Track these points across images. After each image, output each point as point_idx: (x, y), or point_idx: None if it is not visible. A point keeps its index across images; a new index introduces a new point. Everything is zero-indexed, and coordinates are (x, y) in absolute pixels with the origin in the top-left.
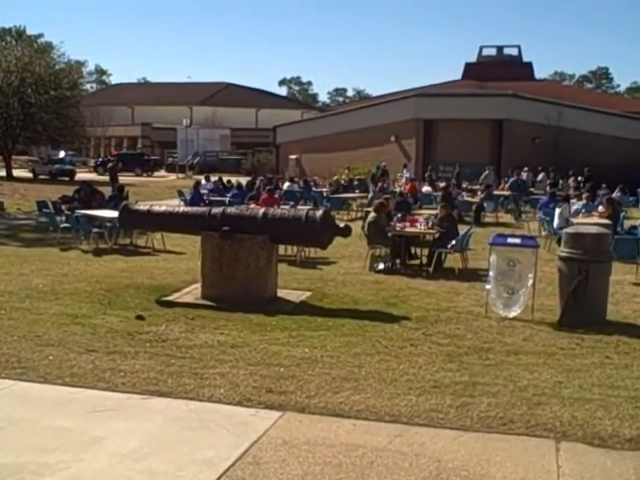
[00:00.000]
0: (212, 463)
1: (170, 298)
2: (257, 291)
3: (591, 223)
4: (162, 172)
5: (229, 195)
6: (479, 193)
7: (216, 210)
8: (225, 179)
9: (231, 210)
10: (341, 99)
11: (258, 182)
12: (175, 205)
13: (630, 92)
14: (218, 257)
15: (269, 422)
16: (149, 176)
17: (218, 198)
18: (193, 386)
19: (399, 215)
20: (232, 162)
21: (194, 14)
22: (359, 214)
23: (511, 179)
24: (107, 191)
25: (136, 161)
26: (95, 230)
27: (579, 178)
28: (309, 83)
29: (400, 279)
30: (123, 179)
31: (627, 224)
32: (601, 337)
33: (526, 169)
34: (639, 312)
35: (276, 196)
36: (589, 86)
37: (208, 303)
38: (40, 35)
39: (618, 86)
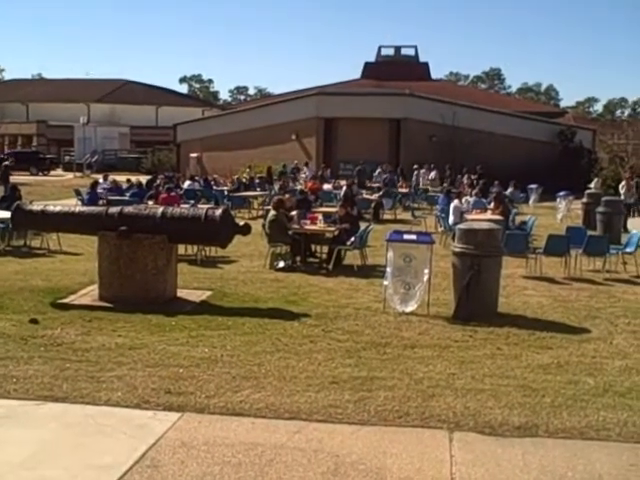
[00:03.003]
0: (109, 468)
1: (66, 300)
2: (156, 291)
3: (483, 219)
4: (59, 171)
5: (128, 194)
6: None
7: (113, 209)
8: (125, 178)
9: (129, 209)
10: (242, 97)
11: (158, 181)
12: (72, 205)
13: (520, 92)
14: (116, 257)
15: (168, 424)
16: (45, 175)
17: (116, 197)
18: (89, 390)
19: (298, 212)
20: (132, 160)
21: (93, 9)
22: (260, 212)
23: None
24: None
25: (31, 160)
26: None
27: (472, 176)
28: (210, 81)
29: (300, 277)
30: (17, 178)
31: (518, 220)
32: (493, 329)
33: (426, 166)
34: (528, 304)
35: (176, 195)
36: (483, 86)
37: (105, 305)
38: None
39: (510, 87)
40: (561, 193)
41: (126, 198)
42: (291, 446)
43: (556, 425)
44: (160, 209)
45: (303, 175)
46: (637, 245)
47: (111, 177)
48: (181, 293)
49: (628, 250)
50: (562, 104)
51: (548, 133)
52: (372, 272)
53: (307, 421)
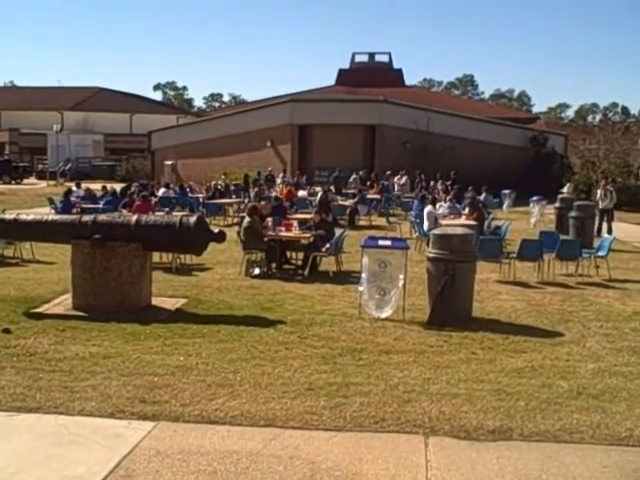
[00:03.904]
0: (82, 479)
1: (39, 310)
2: (131, 300)
3: (458, 224)
4: (32, 179)
5: (102, 202)
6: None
7: (87, 218)
8: (99, 186)
9: (103, 217)
10: (217, 104)
11: (133, 188)
12: (45, 213)
13: (493, 98)
14: (90, 266)
15: (142, 433)
16: (18, 184)
17: (90, 206)
18: (63, 400)
19: (273, 219)
20: (106, 168)
21: (64, 15)
22: (235, 220)
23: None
24: None
25: (4, 168)
26: None
27: (447, 182)
28: (184, 88)
29: (276, 283)
30: None
31: (493, 225)
32: (467, 334)
33: (402, 172)
34: (502, 309)
35: (150, 202)
36: (456, 93)
37: (79, 314)
38: None
39: (483, 93)
40: (534, 198)
41: (100, 206)
42: (267, 453)
43: (530, 428)
44: (134, 217)
45: (280, 181)
46: (609, 249)
47: (84, 185)
48: (156, 301)
49: (600, 254)
50: (534, 110)
51: (521, 139)
52: (347, 278)
53: (283, 428)
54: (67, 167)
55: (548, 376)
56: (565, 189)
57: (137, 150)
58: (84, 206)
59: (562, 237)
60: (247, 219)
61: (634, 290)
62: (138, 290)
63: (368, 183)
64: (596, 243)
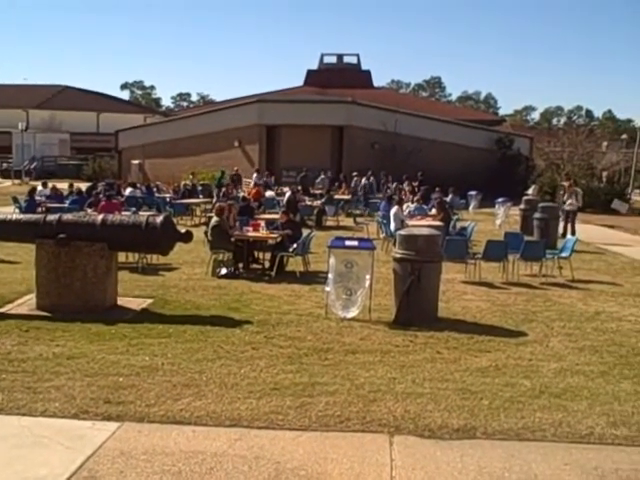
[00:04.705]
0: None
1: (2, 310)
2: (96, 300)
3: (424, 225)
4: None
5: (68, 202)
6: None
7: (52, 217)
8: (65, 185)
9: (68, 217)
10: (185, 104)
11: (99, 188)
12: (9, 212)
13: (460, 100)
14: (54, 266)
15: (106, 434)
16: None
17: (56, 205)
18: (26, 401)
19: (240, 219)
20: (72, 167)
21: (29, 11)
22: (203, 220)
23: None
24: None
25: None
26: None
27: (414, 183)
28: (152, 87)
29: (243, 283)
30: None
31: (459, 225)
32: (433, 334)
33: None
34: (468, 309)
35: (116, 202)
36: (424, 94)
37: (43, 314)
38: None
39: (450, 95)
40: (500, 199)
41: (66, 206)
42: (232, 453)
43: (494, 427)
44: (100, 216)
45: (254, 182)
46: (572, 250)
47: (50, 184)
48: (121, 301)
49: (563, 255)
50: (500, 112)
51: (487, 140)
52: (314, 278)
53: (248, 428)
54: (32, 166)
55: (511, 375)
56: (530, 191)
57: (104, 149)
58: (49, 205)
59: (526, 238)
60: (215, 218)
61: (596, 290)
62: (103, 290)
63: (336, 184)
64: (560, 244)
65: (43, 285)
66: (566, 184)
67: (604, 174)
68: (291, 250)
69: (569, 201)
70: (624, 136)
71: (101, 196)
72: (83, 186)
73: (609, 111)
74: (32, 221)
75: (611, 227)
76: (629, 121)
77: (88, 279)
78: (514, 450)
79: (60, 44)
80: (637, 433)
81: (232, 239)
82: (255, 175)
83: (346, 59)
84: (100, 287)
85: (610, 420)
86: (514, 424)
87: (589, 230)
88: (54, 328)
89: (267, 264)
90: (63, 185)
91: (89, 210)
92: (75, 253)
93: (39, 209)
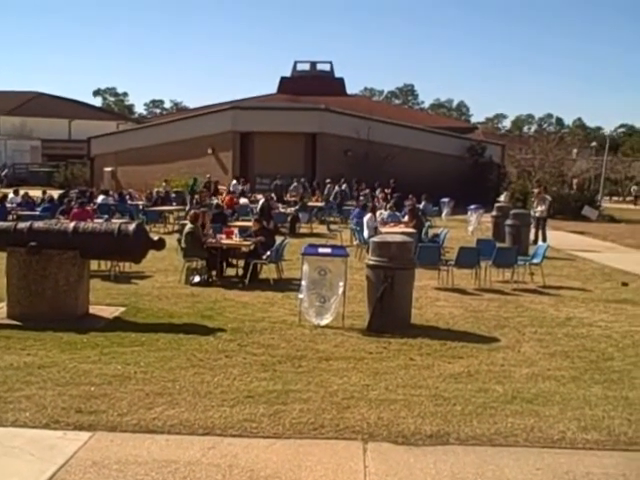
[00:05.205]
0: None
1: None
2: (67, 308)
3: (397, 232)
4: None
5: (39, 209)
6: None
7: (22, 225)
8: (38, 192)
9: (39, 224)
10: (158, 111)
11: (72, 195)
12: None
13: (433, 108)
14: (25, 274)
15: (78, 444)
16: None
17: (27, 212)
18: None
19: (214, 227)
20: (44, 175)
21: (1, 19)
22: (176, 227)
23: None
24: None
25: None
26: None
27: (386, 190)
28: (125, 94)
29: (216, 291)
30: None
31: (431, 232)
32: (406, 340)
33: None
34: (440, 315)
35: (88, 209)
36: (397, 102)
37: (14, 322)
38: None
39: (422, 102)
40: (472, 206)
41: (37, 213)
42: (205, 462)
43: (467, 433)
44: (72, 224)
45: (233, 189)
46: (543, 256)
47: (22, 191)
48: (93, 309)
49: (535, 261)
50: (472, 120)
51: (459, 148)
52: (288, 286)
53: (222, 436)
54: (3, 173)
55: (484, 381)
56: (502, 198)
57: (76, 156)
58: (20, 213)
59: (498, 245)
60: (189, 225)
61: (567, 296)
62: (75, 298)
63: (309, 190)
64: (531, 251)
65: (14, 294)
66: (535, 191)
67: (574, 181)
68: (265, 257)
69: (538, 208)
70: (594, 144)
71: (73, 203)
72: (55, 193)
73: (579, 119)
74: (2, 229)
75: (581, 233)
76: (598, 129)
77: (60, 287)
78: (487, 455)
79: (32, 50)
80: (608, 437)
81: (205, 247)
82: (234, 182)
83: (319, 66)
84: (72, 295)
85: (581, 425)
86: (487, 429)
87: (560, 236)
88: (25, 337)
89: (241, 271)
90: (35, 192)
91: (61, 218)
92: (46, 261)
93: (10, 217)
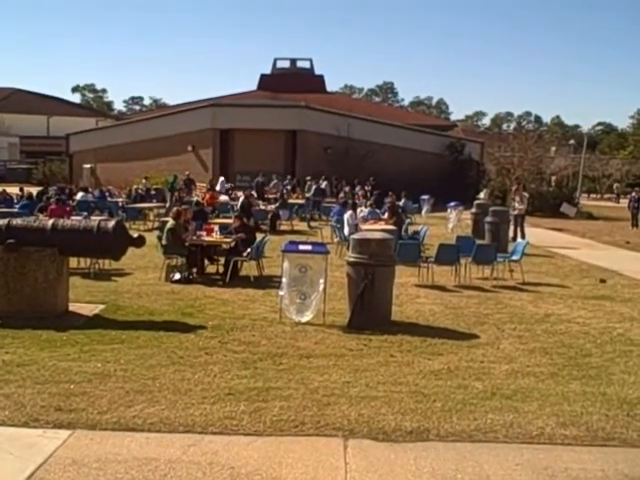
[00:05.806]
0: None
1: None
2: (46, 306)
3: (377, 229)
4: None
5: (18, 206)
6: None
7: (0, 222)
8: (16, 190)
9: (17, 222)
10: (137, 107)
11: (51, 192)
12: None
13: (413, 106)
14: (3, 271)
15: (58, 442)
16: None
17: (5, 210)
18: None
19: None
20: (22, 171)
21: None
22: (156, 224)
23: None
24: None
25: None
26: None
27: (366, 187)
28: (104, 90)
29: (197, 288)
30: None
31: (411, 229)
32: (386, 337)
33: (323, 177)
34: (421, 312)
35: (67, 206)
36: (376, 99)
37: None
38: None
39: (402, 100)
40: (451, 204)
41: (15, 210)
42: (186, 460)
43: (447, 429)
44: (50, 221)
45: (218, 187)
46: (522, 253)
47: (0, 188)
48: (73, 307)
49: (514, 258)
50: (452, 117)
51: (439, 145)
52: (268, 283)
53: (202, 434)
54: None
55: (464, 377)
56: (481, 195)
57: (54, 153)
58: None
59: (478, 242)
60: (171, 222)
61: (546, 293)
62: (54, 296)
63: (289, 187)
64: (511, 248)
65: None
66: (513, 188)
67: (553, 178)
68: (245, 254)
69: (517, 205)
70: (572, 141)
71: (52, 200)
72: (34, 190)
73: (557, 117)
74: None
75: (560, 230)
76: (576, 127)
77: (39, 285)
78: (466, 452)
79: (10, 46)
80: (586, 433)
81: (186, 244)
82: (222, 179)
83: (299, 64)
84: (51, 293)
85: (560, 421)
86: (466, 426)
87: (539, 233)
88: (4, 335)
89: (221, 269)
90: (13, 189)
91: (40, 215)
92: (25, 259)
93: None
